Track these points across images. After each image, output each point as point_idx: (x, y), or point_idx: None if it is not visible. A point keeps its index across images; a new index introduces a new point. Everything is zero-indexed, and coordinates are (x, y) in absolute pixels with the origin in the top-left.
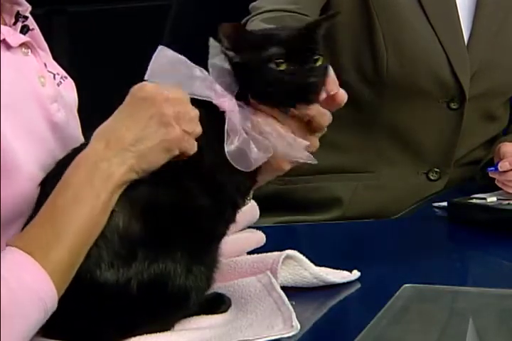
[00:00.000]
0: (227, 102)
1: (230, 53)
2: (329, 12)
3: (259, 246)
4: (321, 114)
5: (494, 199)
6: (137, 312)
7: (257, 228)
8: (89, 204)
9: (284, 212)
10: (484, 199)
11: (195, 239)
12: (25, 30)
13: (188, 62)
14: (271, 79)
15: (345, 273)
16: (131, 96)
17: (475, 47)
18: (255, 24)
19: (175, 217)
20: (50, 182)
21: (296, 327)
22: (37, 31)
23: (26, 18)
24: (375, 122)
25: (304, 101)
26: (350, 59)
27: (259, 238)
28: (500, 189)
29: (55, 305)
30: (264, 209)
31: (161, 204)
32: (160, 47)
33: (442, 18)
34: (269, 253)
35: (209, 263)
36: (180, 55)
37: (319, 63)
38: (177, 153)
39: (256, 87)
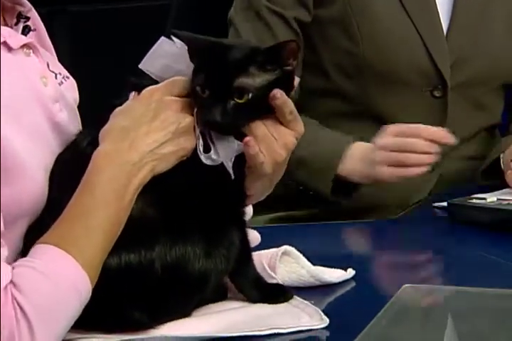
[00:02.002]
0: None
1: (192, 60)
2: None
3: (253, 245)
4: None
5: (494, 199)
6: (162, 294)
7: (253, 228)
8: (115, 205)
9: (280, 209)
10: (484, 199)
11: (209, 221)
12: (26, 30)
13: (184, 55)
14: (195, 98)
15: (341, 271)
16: (144, 99)
17: (454, 35)
18: None
19: (185, 200)
20: (56, 179)
21: (325, 320)
22: (41, 31)
23: (28, 18)
24: (362, 115)
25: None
26: (329, 53)
27: (254, 238)
28: (500, 189)
29: (89, 297)
30: (260, 207)
31: (170, 188)
32: (161, 39)
33: (419, 6)
34: (266, 250)
35: (227, 245)
36: (178, 49)
37: (243, 100)
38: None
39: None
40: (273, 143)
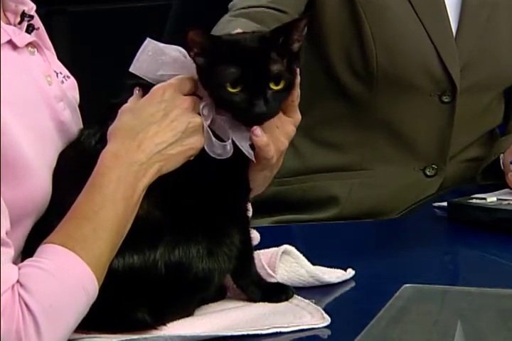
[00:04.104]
0: (202, 91)
1: (199, 59)
2: (303, 14)
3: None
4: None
5: (494, 199)
6: (166, 295)
7: (253, 228)
8: (123, 205)
9: (282, 213)
10: (484, 199)
11: (213, 219)
12: (30, 29)
13: (171, 52)
14: (222, 97)
15: (340, 271)
16: (155, 97)
17: (463, 39)
18: (224, 20)
19: (190, 198)
20: (60, 178)
21: (327, 319)
22: (41, 30)
23: (32, 17)
24: (369, 119)
25: (250, 125)
26: (340, 55)
27: (253, 237)
28: (500, 189)
29: (95, 297)
30: (262, 211)
31: (174, 187)
32: (147, 40)
33: (429, 10)
34: (266, 249)
35: (229, 244)
36: (164, 46)
37: (279, 87)
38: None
39: (212, 97)
40: (276, 131)
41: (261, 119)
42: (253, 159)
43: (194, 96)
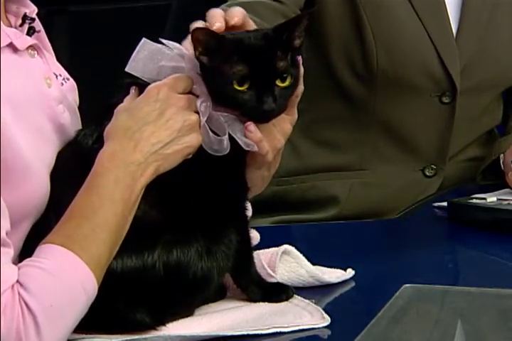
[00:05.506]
0: (198, 89)
1: (203, 58)
2: (305, 10)
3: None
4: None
5: (494, 199)
6: (166, 295)
7: (253, 228)
8: (121, 205)
9: (282, 213)
10: (484, 199)
11: (211, 218)
12: (31, 32)
13: (167, 51)
14: (229, 95)
15: (340, 271)
16: (150, 96)
17: (464, 40)
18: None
19: (188, 197)
20: (57, 177)
21: (327, 319)
22: (42, 33)
23: (33, 19)
24: (369, 119)
25: (259, 122)
26: (341, 55)
27: (253, 237)
28: (500, 189)
29: (94, 296)
30: (262, 211)
31: (171, 186)
32: (143, 40)
33: (430, 11)
34: (266, 249)
35: (227, 242)
36: (161, 45)
37: (286, 83)
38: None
39: (217, 95)
40: (273, 129)
41: (270, 116)
42: (254, 149)
43: (190, 94)
